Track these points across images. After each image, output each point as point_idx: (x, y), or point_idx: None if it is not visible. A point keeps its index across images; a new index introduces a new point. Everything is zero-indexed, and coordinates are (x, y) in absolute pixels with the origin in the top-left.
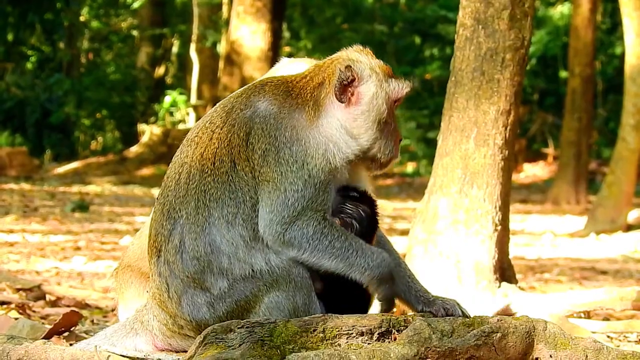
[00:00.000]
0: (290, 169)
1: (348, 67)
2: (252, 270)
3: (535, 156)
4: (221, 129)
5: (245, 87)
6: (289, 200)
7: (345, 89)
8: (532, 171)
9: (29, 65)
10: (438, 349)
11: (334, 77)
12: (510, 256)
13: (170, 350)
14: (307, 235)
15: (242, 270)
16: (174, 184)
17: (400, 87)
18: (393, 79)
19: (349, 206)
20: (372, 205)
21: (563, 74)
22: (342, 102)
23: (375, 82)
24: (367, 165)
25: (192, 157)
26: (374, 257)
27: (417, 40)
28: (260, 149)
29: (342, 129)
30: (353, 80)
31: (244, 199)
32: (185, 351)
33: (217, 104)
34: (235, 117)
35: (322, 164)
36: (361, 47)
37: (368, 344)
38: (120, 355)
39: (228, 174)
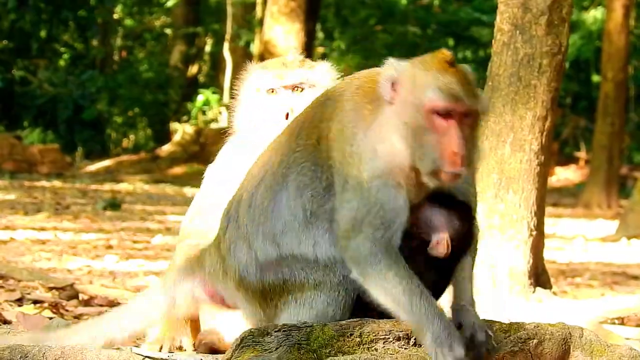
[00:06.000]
0: (349, 173)
1: (391, 66)
2: (299, 248)
3: (567, 160)
4: (301, 115)
5: None
6: (350, 213)
7: (391, 87)
8: (563, 175)
9: (61, 62)
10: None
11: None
12: (545, 259)
13: (217, 300)
14: (362, 254)
15: (290, 243)
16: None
17: (431, 96)
18: (434, 89)
19: (436, 218)
20: (466, 217)
21: (596, 78)
22: (385, 99)
23: (408, 86)
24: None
25: (275, 144)
26: (436, 322)
27: (451, 42)
28: (332, 133)
29: (389, 130)
30: (396, 80)
31: (321, 177)
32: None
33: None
34: (314, 104)
35: (373, 170)
36: (443, 55)
37: (405, 349)
38: (157, 358)
39: (315, 146)
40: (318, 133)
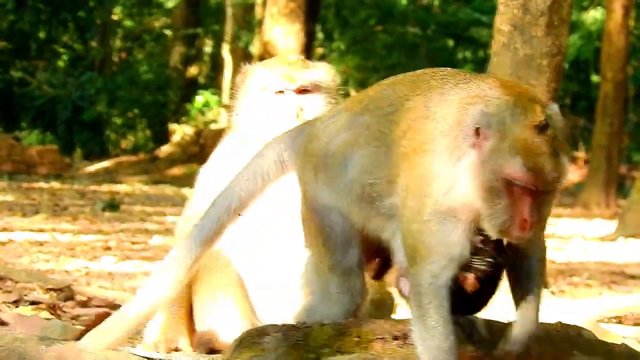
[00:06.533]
0: (412, 196)
1: (485, 113)
2: (346, 212)
3: None
4: (410, 87)
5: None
6: (406, 240)
7: (475, 133)
8: None
9: (60, 63)
10: (473, 354)
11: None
12: None
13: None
14: (414, 291)
15: (339, 205)
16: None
17: (513, 167)
18: (517, 156)
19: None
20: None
21: (595, 78)
22: (468, 144)
23: (493, 142)
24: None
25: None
26: None
27: (450, 43)
28: (414, 140)
29: (463, 175)
30: (482, 128)
31: (385, 173)
32: None
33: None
34: (421, 86)
35: (434, 203)
36: (536, 116)
37: (401, 348)
38: (155, 359)
39: (395, 140)
40: (404, 127)
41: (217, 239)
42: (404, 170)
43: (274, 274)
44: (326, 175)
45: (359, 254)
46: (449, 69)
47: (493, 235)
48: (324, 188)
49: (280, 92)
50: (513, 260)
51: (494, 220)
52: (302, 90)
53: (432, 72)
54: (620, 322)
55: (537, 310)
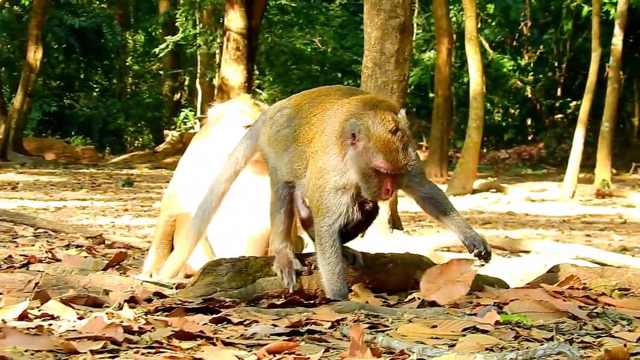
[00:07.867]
0: (315, 174)
1: (355, 123)
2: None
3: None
4: (325, 103)
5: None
6: (313, 202)
7: (351, 137)
8: None
9: (94, 94)
10: (353, 274)
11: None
12: (399, 211)
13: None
14: (318, 232)
15: (277, 169)
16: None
17: (377, 160)
18: (379, 153)
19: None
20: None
21: (431, 95)
22: (347, 144)
23: (364, 143)
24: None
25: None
26: (337, 285)
27: (339, 75)
28: (318, 141)
29: (348, 164)
30: (356, 133)
31: (303, 163)
32: None
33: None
34: (328, 107)
35: (332, 182)
36: (389, 123)
37: (307, 275)
38: (150, 282)
39: (309, 141)
40: (312, 136)
41: (234, 179)
42: (313, 163)
43: (226, 231)
44: (274, 151)
45: (289, 192)
46: (340, 90)
47: (369, 198)
48: (272, 156)
49: (247, 126)
50: (426, 202)
51: (369, 190)
52: None
53: (328, 93)
54: (449, 250)
55: (463, 221)
